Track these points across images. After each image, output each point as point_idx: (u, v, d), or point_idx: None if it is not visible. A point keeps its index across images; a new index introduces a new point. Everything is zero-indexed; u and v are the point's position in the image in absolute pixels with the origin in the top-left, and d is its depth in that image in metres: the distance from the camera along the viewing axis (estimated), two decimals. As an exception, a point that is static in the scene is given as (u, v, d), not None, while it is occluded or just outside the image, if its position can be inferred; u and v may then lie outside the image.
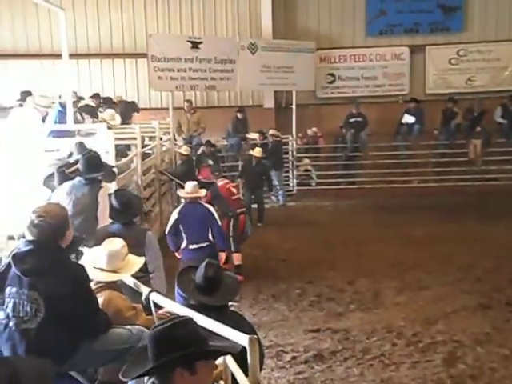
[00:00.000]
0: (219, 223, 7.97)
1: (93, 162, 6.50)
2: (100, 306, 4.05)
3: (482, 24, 16.95)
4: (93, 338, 3.58)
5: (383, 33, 17.18)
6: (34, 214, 3.65)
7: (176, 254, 7.92)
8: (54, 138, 8.39)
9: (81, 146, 7.34)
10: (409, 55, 17.08)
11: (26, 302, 3.37)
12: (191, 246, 7.67)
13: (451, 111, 16.06)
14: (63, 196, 6.32)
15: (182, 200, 8.95)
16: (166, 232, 7.91)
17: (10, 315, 3.41)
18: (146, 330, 3.75)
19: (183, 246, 7.74)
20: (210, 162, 11.36)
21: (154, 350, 2.60)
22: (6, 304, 3.42)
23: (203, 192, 8.23)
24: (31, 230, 3.59)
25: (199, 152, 13.74)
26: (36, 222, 3.59)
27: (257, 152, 12.56)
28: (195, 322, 2.76)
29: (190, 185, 8.03)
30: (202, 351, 2.61)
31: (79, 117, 10.07)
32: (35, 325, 3.34)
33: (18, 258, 3.45)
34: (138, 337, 3.71)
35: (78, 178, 6.47)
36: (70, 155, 7.33)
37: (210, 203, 8.59)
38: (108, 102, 12.30)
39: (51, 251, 3.53)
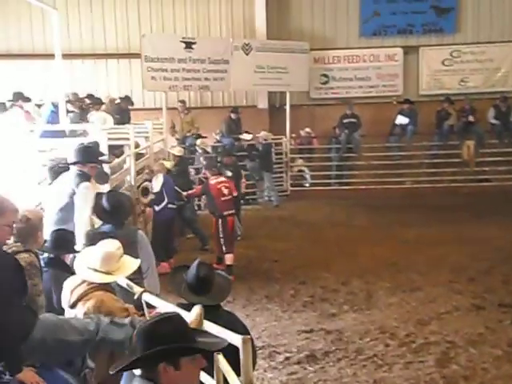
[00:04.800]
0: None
1: (83, 151, 6.37)
2: (91, 308, 4.02)
3: (475, 25, 17.00)
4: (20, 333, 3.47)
5: (377, 34, 17.19)
6: None
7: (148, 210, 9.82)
8: (46, 138, 8.35)
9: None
10: (402, 56, 17.11)
11: None
12: (170, 206, 9.88)
13: (445, 112, 16.10)
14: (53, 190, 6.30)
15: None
16: (157, 191, 9.75)
17: None
18: (103, 318, 3.69)
19: (163, 204, 9.79)
20: (229, 173, 11.20)
21: (140, 344, 2.60)
22: None
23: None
24: None
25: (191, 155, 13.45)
26: None
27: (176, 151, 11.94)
28: (182, 318, 2.74)
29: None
30: (185, 347, 2.58)
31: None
32: None
33: None
34: (95, 328, 3.63)
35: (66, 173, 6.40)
36: None
37: (197, 196, 11.23)
38: (98, 103, 12.21)
39: None
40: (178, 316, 2.73)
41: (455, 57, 17.04)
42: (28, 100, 10.55)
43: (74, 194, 6.10)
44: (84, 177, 6.21)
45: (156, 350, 2.53)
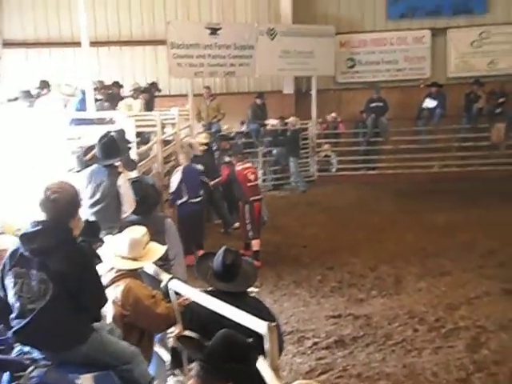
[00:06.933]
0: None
1: (110, 147, 6.25)
2: (119, 294, 4.06)
3: (505, 5, 16.64)
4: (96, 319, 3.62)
5: (404, 16, 16.96)
6: (49, 190, 3.55)
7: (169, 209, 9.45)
8: (75, 126, 8.40)
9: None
10: (430, 38, 16.85)
11: (34, 283, 3.34)
12: (192, 200, 9.30)
13: (474, 95, 15.82)
14: (83, 183, 6.28)
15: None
16: (173, 190, 9.28)
17: (17, 295, 3.38)
18: (139, 355, 3.81)
19: (184, 200, 9.27)
20: (227, 159, 11.20)
21: (223, 349, 2.71)
22: (12, 285, 3.41)
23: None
24: (46, 205, 3.50)
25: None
26: (52, 197, 3.50)
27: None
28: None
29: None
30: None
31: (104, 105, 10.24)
32: (42, 305, 3.33)
33: (26, 237, 3.40)
34: (127, 360, 3.68)
35: (96, 165, 6.33)
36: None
37: (225, 183, 10.47)
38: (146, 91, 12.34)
39: (60, 230, 3.47)
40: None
41: (484, 38, 16.69)
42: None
43: (108, 186, 6.13)
44: (116, 168, 6.27)
45: (242, 368, 2.68)
